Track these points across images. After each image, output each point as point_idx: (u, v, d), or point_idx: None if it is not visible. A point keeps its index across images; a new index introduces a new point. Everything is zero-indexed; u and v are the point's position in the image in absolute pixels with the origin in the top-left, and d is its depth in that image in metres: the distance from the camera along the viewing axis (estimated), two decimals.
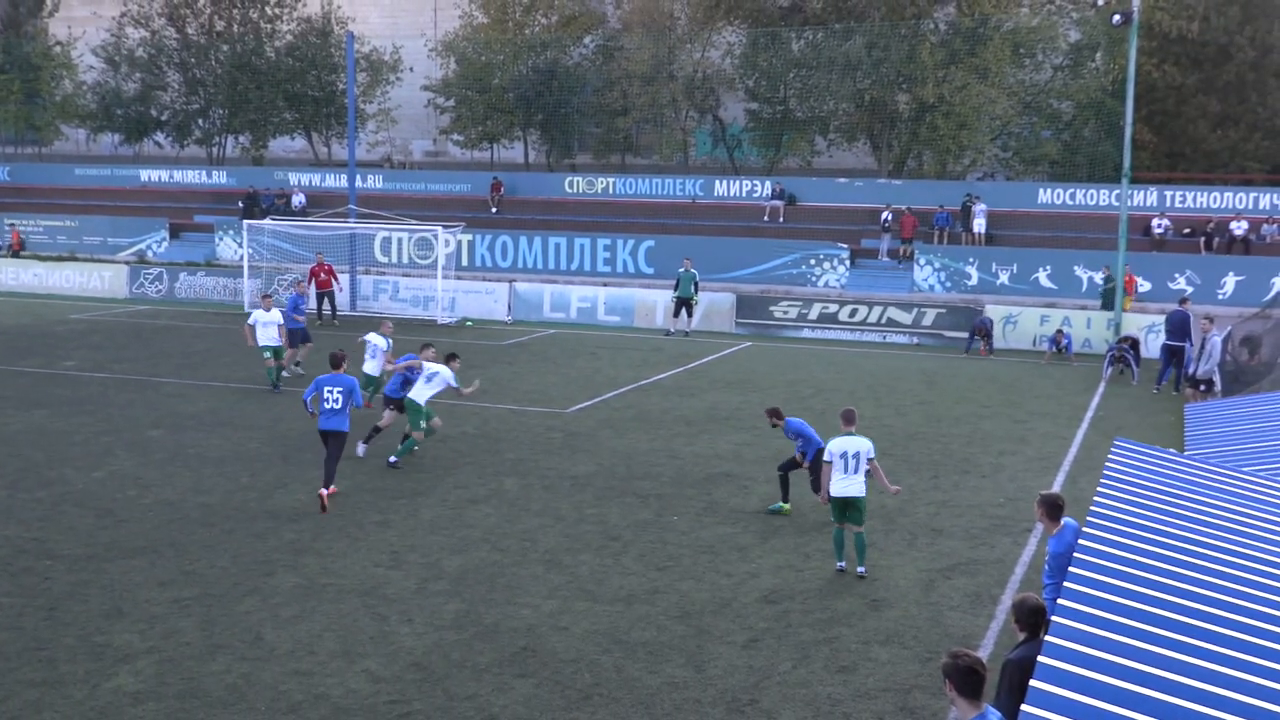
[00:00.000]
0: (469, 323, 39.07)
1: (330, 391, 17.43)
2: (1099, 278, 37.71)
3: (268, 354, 26.41)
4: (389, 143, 62.52)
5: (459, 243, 44.40)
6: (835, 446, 14.90)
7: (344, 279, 41.16)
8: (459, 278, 42.22)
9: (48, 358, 30.37)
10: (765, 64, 50.87)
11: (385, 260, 45.65)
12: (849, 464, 14.79)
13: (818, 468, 16.88)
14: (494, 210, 50.37)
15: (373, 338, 23.29)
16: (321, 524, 16.32)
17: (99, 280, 45.43)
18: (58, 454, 20.13)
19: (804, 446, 17.34)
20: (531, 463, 20.16)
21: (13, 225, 51.36)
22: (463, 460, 20.27)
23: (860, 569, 14.78)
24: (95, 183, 57.11)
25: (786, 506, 17.47)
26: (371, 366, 23.18)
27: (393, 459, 19.67)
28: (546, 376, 29.04)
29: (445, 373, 19.85)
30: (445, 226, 42.01)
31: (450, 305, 40.27)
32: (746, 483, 19.04)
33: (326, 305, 38.60)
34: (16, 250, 50.27)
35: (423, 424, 19.80)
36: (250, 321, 26.41)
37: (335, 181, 52.94)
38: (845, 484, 14.76)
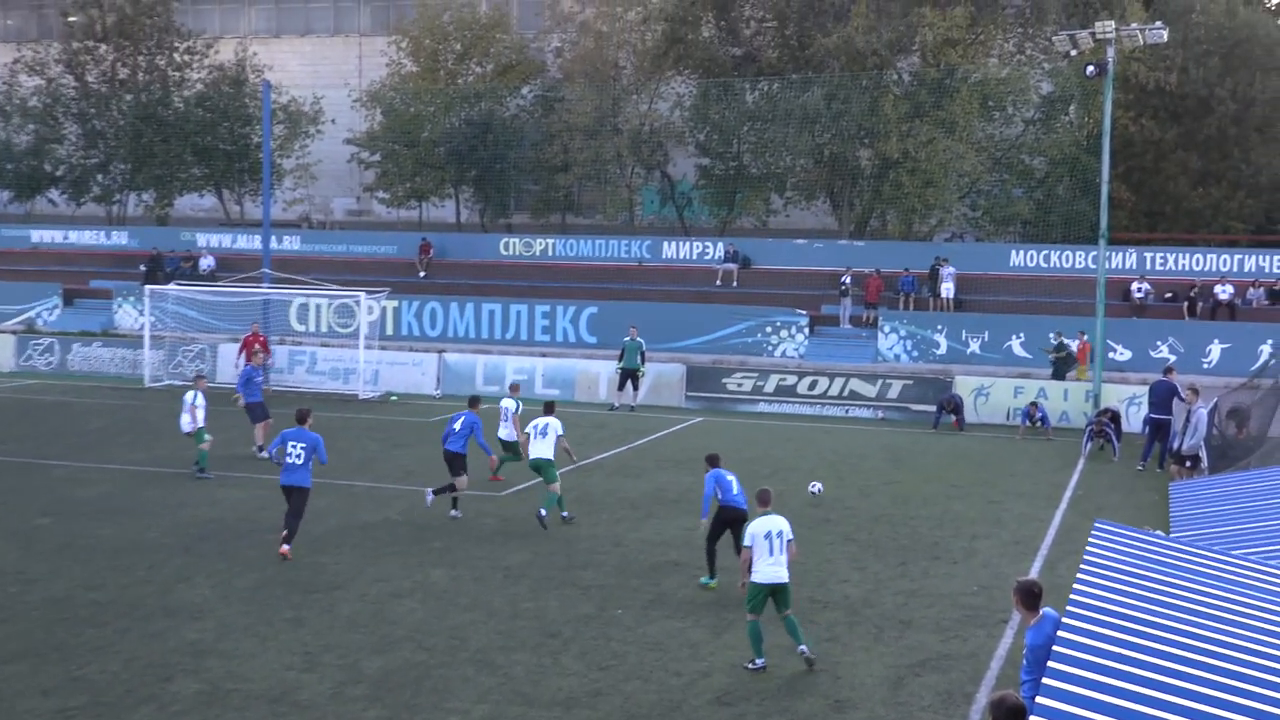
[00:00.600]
0: (394, 397, 38.84)
1: (294, 446, 19.34)
2: (1053, 341, 38.07)
3: (207, 437, 25.82)
4: (308, 201, 62.50)
5: (383, 309, 44.27)
6: (757, 528, 14.94)
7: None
8: (383, 348, 42.05)
9: None
10: (717, 117, 51.44)
11: (302, 329, 45.43)
12: (774, 545, 14.83)
13: (718, 526, 17.95)
14: (422, 274, 50.33)
15: (505, 402, 25.34)
16: (226, 622, 16.04)
17: None
18: None
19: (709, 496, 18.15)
20: (461, 552, 19.98)
21: None
22: (385, 549, 20.05)
23: (803, 648, 14.73)
24: None
25: (713, 583, 18.13)
26: (505, 431, 25.33)
27: (565, 515, 22.08)
28: (479, 456, 28.90)
29: (556, 423, 22.20)
30: (369, 292, 41.85)
31: (373, 378, 40.05)
32: (697, 571, 18.93)
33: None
34: None
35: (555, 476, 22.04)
36: (196, 404, 25.68)
37: (248, 243, 52.76)
38: (774, 568, 14.82)
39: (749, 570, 14.83)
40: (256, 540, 20.32)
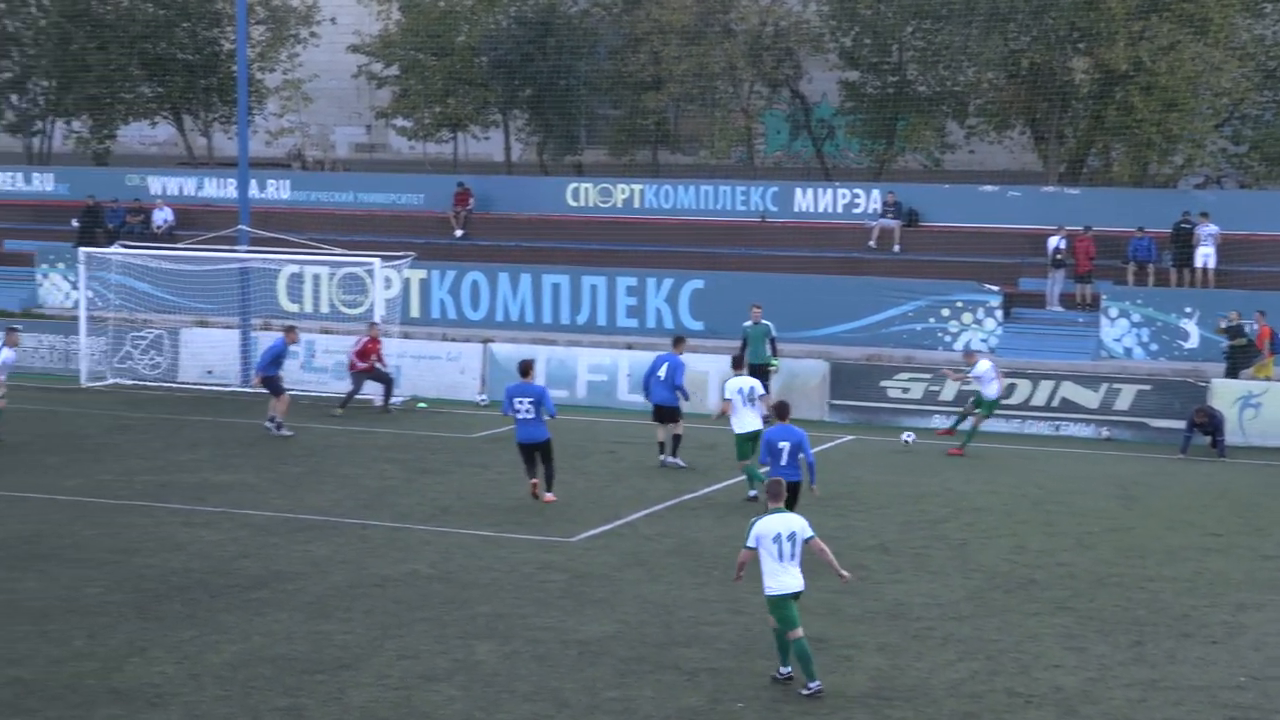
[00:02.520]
0: (421, 404, 38.99)
1: (520, 402, 26.38)
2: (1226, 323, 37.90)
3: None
4: (300, 132, 62.88)
5: (406, 282, 44.44)
6: (763, 529, 16.63)
7: (230, 336, 41.30)
8: (406, 335, 42.21)
9: None
10: (870, 13, 51.18)
11: (295, 309, 45.74)
12: (783, 550, 16.57)
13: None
14: (459, 233, 50.52)
15: (981, 366, 33.76)
16: (197, 712, 16.16)
17: None
18: None
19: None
20: (517, 619, 20.05)
21: None
22: (412, 615, 20.15)
23: (815, 684, 16.46)
24: None
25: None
26: (993, 389, 33.66)
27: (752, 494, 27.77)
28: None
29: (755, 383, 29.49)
30: (386, 258, 42.01)
31: (393, 378, 40.27)
32: (849, 651, 18.88)
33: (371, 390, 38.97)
34: None
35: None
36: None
37: (218, 189, 53.26)
38: (785, 578, 16.76)
39: (742, 568, 17.57)
40: (236, 599, 20.52)
